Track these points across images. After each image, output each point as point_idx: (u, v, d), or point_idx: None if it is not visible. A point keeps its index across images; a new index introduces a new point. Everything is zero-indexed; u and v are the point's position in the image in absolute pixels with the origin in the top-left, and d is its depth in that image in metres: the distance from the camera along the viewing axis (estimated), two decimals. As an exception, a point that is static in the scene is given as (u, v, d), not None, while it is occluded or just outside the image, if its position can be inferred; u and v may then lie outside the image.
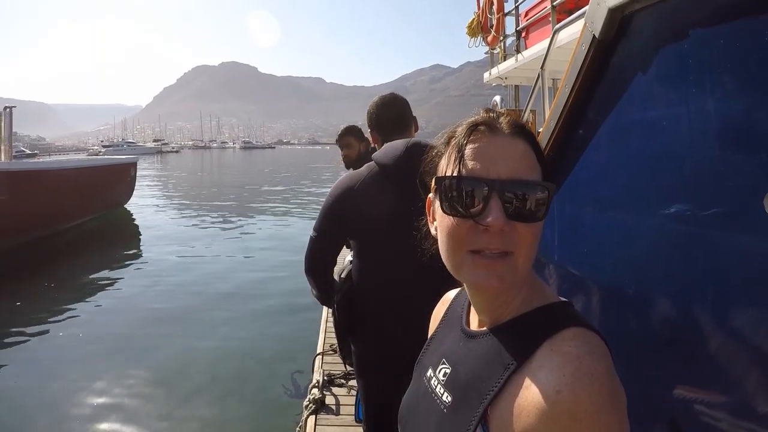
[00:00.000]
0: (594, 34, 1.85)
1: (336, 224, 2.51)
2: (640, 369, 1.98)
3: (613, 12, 1.77)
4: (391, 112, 2.73)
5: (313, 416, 4.35)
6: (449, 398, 0.90)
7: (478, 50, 9.04)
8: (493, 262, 0.82)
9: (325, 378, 4.81)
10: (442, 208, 0.87)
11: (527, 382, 0.76)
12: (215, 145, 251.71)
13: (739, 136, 1.51)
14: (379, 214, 2.36)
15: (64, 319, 8.39)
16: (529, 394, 0.75)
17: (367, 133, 3.86)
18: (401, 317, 2.36)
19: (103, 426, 5.29)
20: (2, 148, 14.28)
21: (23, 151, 73.97)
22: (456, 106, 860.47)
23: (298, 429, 4.51)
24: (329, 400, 4.56)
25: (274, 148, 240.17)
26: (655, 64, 1.77)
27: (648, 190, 1.86)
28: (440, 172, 0.93)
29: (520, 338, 0.84)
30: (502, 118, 0.90)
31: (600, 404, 0.70)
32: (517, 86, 9.09)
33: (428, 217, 1.01)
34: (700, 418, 1.76)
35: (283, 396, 5.83)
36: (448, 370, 0.94)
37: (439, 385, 0.94)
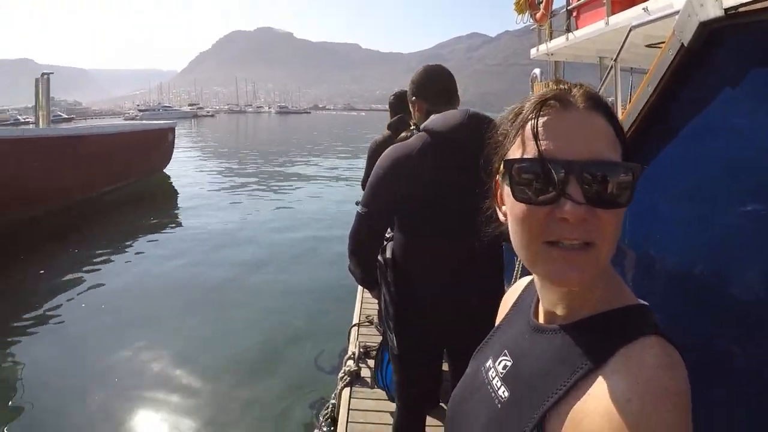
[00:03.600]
0: (682, 43, 1.88)
1: (387, 198, 2.38)
2: (703, 350, 2.04)
3: (703, 25, 1.80)
4: (441, 83, 2.64)
5: (348, 388, 4.31)
6: (506, 393, 0.83)
7: (515, 19, 8.94)
8: (572, 254, 0.73)
9: (361, 350, 4.75)
10: (513, 195, 0.77)
11: (596, 387, 0.69)
12: (251, 109, 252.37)
13: None
14: (435, 187, 2.26)
15: (88, 289, 8.23)
16: (596, 400, 0.68)
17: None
18: (447, 297, 2.35)
19: (125, 403, 5.16)
20: (40, 113, 14.50)
21: (60, 115, 74.63)
22: (493, 75, 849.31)
23: (332, 401, 4.51)
24: (365, 372, 4.50)
25: (309, 113, 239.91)
26: (742, 78, 1.82)
27: (725, 188, 1.93)
28: (509, 154, 0.83)
29: (594, 340, 0.75)
30: (575, 90, 0.79)
31: (671, 423, 0.63)
32: (556, 61, 9.04)
33: (496, 201, 0.90)
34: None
35: (318, 368, 5.78)
36: (508, 363, 0.87)
37: (496, 378, 0.87)
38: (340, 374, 4.52)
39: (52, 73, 14.95)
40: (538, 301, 0.91)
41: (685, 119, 2.06)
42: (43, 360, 6.00)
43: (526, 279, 1.06)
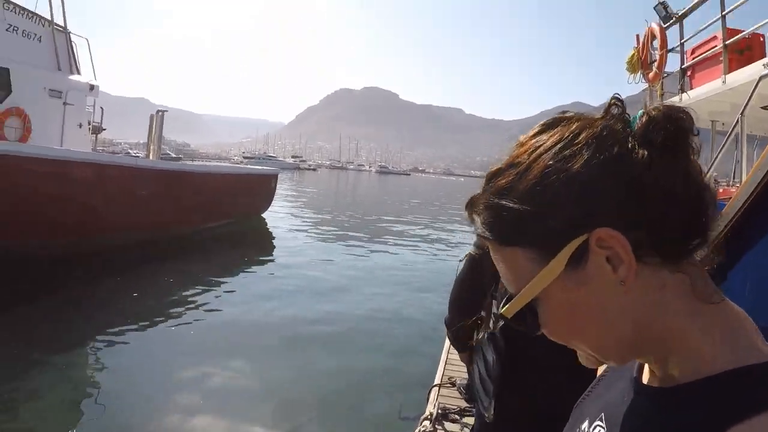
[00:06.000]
0: None
1: None
2: None
3: None
4: None
5: None
6: None
7: (618, 88, 8.76)
8: None
9: (440, 411, 4.56)
10: None
11: None
12: (352, 166, 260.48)
13: None
14: None
15: (179, 313, 8.54)
16: None
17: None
18: (563, 362, 2.09)
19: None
20: (152, 147, 15.31)
21: (169, 154, 78.87)
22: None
23: (406, 460, 4.35)
24: None
25: (409, 174, 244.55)
26: None
27: None
28: None
29: (694, 412, 0.60)
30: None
31: None
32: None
33: None
34: None
35: (394, 426, 5.64)
36: (602, 431, 0.73)
37: None
38: (415, 433, 4.36)
39: (167, 110, 16.03)
40: None
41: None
42: (123, 381, 6.13)
43: None
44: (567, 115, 0.70)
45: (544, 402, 2.17)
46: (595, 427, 0.77)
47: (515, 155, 0.69)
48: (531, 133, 0.70)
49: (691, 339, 0.64)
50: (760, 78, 3.03)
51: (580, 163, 0.62)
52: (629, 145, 0.62)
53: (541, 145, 0.66)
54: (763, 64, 4.75)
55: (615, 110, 0.67)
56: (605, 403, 0.79)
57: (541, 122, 0.71)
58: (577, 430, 0.82)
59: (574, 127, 0.66)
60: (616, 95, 0.69)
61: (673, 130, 0.62)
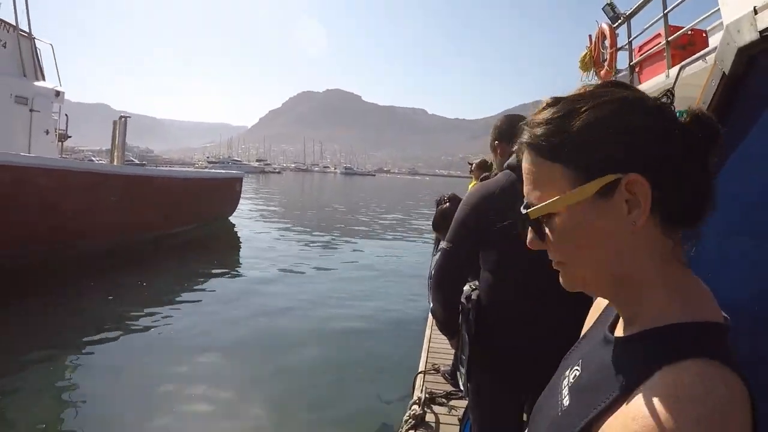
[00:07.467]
0: (724, 71, 1.91)
1: (474, 233, 2.34)
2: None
3: (741, 51, 1.84)
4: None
5: (412, 431, 4.30)
6: (567, 402, 0.83)
7: (575, 86, 9.04)
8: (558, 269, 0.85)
9: (427, 396, 4.75)
10: None
11: (624, 409, 0.67)
12: (317, 168, 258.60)
13: None
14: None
15: (149, 318, 8.49)
16: (618, 424, 0.67)
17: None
18: (539, 335, 2.23)
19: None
20: (116, 153, 15.12)
21: (132, 160, 76.52)
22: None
23: (396, 443, 4.45)
24: (429, 417, 4.49)
25: (374, 175, 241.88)
26: None
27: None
28: None
29: (639, 357, 0.72)
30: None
31: None
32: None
33: None
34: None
35: (381, 412, 5.71)
36: (577, 373, 0.87)
37: (566, 387, 0.87)
38: (405, 417, 4.49)
39: (130, 116, 15.72)
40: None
41: (730, 150, 2.02)
42: (94, 383, 6.13)
43: None
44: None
45: (511, 377, 2.38)
46: (573, 371, 0.89)
47: (585, 93, 0.80)
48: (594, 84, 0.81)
49: (655, 295, 0.76)
50: (681, 67, 3.40)
51: (640, 121, 0.74)
52: (678, 128, 0.74)
53: (608, 94, 0.77)
54: (699, 58, 5.06)
55: (666, 99, 0.78)
56: (583, 353, 0.91)
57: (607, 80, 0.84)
58: (561, 377, 0.93)
59: (639, 94, 0.77)
60: (671, 90, 0.80)
61: (713, 131, 0.75)
